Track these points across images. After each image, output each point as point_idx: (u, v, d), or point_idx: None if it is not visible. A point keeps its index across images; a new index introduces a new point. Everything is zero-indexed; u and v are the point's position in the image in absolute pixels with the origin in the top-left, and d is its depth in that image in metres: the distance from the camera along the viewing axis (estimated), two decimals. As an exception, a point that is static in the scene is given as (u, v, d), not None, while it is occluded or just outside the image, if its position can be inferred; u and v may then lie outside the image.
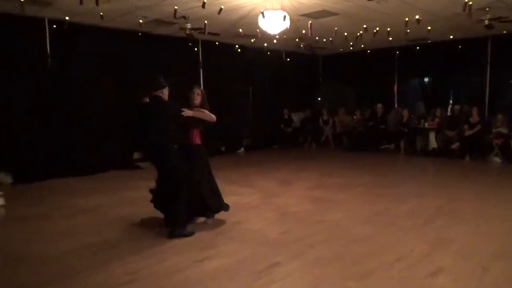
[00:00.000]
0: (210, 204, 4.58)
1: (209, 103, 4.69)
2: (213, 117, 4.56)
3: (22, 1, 6.04)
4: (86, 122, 8.19)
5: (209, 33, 7.90)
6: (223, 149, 10.60)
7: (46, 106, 7.74)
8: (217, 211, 4.71)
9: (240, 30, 8.37)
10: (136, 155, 9.11)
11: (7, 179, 7.23)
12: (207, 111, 4.55)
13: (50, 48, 7.78)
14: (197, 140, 4.59)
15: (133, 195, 6.21)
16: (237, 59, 10.93)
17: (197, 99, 4.58)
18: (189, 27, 7.65)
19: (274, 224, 4.73)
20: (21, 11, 6.39)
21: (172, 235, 4.20)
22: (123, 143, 8.68)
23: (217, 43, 10.18)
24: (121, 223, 4.81)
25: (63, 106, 7.97)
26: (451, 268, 3.41)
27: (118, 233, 4.46)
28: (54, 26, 7.66)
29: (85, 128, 8.18)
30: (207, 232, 4.42)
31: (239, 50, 10.82)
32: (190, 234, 4.27)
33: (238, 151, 11.08)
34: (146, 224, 4.73)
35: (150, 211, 5.01)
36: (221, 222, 4.72)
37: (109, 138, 8.45)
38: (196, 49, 10.01)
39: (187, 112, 4.38)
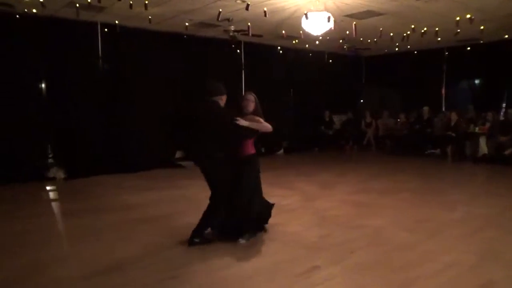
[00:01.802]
0: (266, 217, 4.43)
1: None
2: (269, 127, 4.18)
3: (77, 7, 6.42)
4: (133, 121, 8.52)
5: (252, 34, 7.98)
6: (262, 150, 10.65)
7: (97, 106, 8.15)
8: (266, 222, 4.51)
9: (283, 31, 8.39)
10: (178, 154, 9.38)
11: (60, 174, 7.70)
12: (262, 121, 4.19)
13: (101, 50, 8.18)
14: (251, 150, 4.27)
15: (177, 193, 6.43)
16: (279, 60, 10.95)
17: (251, 106, 4.22)
18: (232, 29, 7.77)
19: (314, 227, 4.69)
20: (77, 16, 6.77)
21: (192, 243, 4.05)
22: (166, 142, 8.97)
23: (259, 44, 10.24)
24: (165, 220, 4.97)
25: (113, 106, 8.35)
26: (502, 282, 3.23)
27: (161, 230, 4.60)
28: (106, 29, 8.04)
29: (132, 127, 8.51)
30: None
31: (281, 51, 10.84)
32: (209, 240, 4.12)
33: (278, 153, 11.08)
34: (189, 223, 4.85)
35: (193, 209, 5.15)
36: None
37: (153, 137, 8.75)
38: (238, 50, 10.14)
39: (241, 121, 3.97)
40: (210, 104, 4.11)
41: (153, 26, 8.05)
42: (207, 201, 5.81)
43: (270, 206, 4.53)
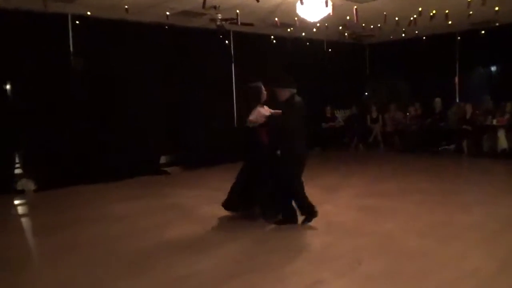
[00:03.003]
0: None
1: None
2: None
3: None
4: (111, 124, 8.47)
5: (242, 23, 7.98)
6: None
7: (69, 108, 8.08)
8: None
9: (276, 19, 8.41)
10: (163, 160, 9.37)
11: (30, 185, 7.63)
12: None
13: (73, 45, 8.14)
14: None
15: (167, 202, 6.45)
16: (272, 51, 10.96)
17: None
18: (219, 17, 7.78)
19: (318, 236, 4.72)
20: (44, 8, 6.74)
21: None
22: (151, 147, 8.96)
23: (250, 34, 10.25)
24: (154, 231, 4.98)
25: (87, 108, 8.26)
26: (527, 289, 3.27)
27: (151, 242, 4.59)
28: (77, 22, 8.01)
29: (112, 130, 8.45)
30: (246, 243, 4.50)
31: (274, 41, 10.86)
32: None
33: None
34: (183, 233, 4.87)
35: (185, 218, 5.18)
36: (261, 232, 4.79)
37: (135, 142, 8.70)
38: (227, 41, 10.14)
39: None
40: (296, 95, 5.25)
41: (130, 16, 8.02)
42: (199, 209, 5.92)
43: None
